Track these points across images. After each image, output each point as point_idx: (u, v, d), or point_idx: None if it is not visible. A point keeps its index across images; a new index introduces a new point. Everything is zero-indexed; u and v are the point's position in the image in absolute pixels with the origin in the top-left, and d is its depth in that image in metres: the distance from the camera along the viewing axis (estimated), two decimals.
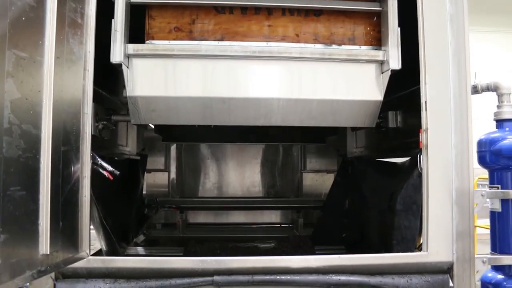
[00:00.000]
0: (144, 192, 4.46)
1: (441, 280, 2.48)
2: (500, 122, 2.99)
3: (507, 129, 2.94)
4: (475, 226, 5.28)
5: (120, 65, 2.51)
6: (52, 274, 2.31)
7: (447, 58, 2.56)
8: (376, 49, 2.76)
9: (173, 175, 4.77)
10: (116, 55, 2.49)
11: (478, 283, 2.98)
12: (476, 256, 2.61)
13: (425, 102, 2.51)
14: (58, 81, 1.94)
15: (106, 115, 2.97)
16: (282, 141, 4.63)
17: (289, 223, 4.81)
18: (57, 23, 1.90)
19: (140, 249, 3.80)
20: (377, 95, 2.71)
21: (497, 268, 2.89)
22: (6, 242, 1.63)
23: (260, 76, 2.65)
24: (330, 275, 2.40)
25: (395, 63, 2.62)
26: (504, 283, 2.81)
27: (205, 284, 2.37)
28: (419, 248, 2.62)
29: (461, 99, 2.55)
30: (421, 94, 2.53)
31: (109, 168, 2.51)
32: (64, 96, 2.10)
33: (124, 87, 2.62)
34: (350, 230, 3.92)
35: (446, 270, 2.51)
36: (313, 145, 4.79)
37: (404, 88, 3.02)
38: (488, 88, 3.03)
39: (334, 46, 2.73)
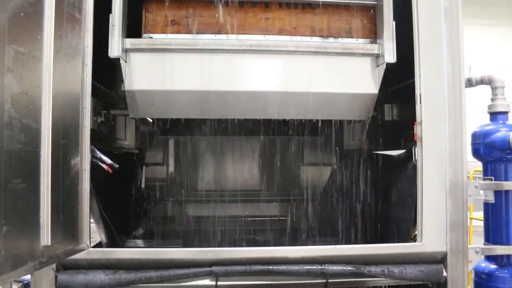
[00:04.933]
0: (142, 186, 4.48)
1: (434, 269, 2.52)
2: (494, 115, 3.03)
3: (500, 121, 2.98)
4: (471, 218, 5.35)
5: (118, 59, 2.53)
6: (54, 266, 2.35)
7: (441, 51, 2.59)
8: (372, 42, 2.79)
9: (171, 168, 4.79)
10: (114, 49, 2.51)
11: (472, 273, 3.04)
12: (469, 246, 2.65)
13: (420, 95, 2.54)
14: (57, 76, 1.96)
15: (105, 109, 3.00)
16: (279, 134, 4.65)
17: (286, 215, 4.85)
18: (56, 18, 1.92)
19: (139, 242, 3.84)
20: (373, 88, 2.74)
21: (490, 258, 2.95)
22: (8, 233, 1.66)
23: (256, 69, 2.68)
24: (326, 264, 2.44)
25: (390, 56, 2.64)
26: (497, 272, 2.87)
27: (203, 274, 2.41)
28: (414, 239, 2.66)
29: (455, 91, 2.57)
30: (416, 87, 2.56)
31: (108, 161, 2.54)
32: (63, 90, 2.13)
33: (122, 81, 2.65)
34: (348, 221, 3.96)
35: (440, 260, 2.55)
36: (311, 138, 4.81)
37: (400, 81, 3.05)
38: (482, 81, 3.07)
39: (330, 39, 2.75)
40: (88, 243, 2.34)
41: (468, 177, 2.62)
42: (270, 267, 2.41)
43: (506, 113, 3.00)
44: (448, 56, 2.59)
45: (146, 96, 2.68)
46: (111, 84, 3.18)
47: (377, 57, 2.73)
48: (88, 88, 2.35)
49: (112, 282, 2.37)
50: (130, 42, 2.60)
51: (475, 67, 3.20)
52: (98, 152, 2.49)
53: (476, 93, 3.17)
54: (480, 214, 3.32)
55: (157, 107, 2.74)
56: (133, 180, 4.16)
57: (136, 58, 2.63)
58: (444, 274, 2.52)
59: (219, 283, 2.42)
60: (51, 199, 1.87)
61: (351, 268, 2.45)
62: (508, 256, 2.87)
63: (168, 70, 2.63)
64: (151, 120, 4.25)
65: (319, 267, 2.43)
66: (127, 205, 3.86)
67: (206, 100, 2.70)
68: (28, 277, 3.18)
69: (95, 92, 2.54)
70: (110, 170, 2.55)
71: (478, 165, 3.20)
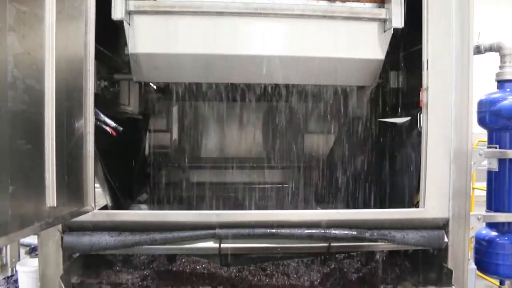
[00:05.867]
0: (146, 152, 4.50)
1: (436, 235, 2.55)
2: (501, 83, 3.00)
3: (508, 89, 2.95)
4: (473, 188, 5.37)
5: (121, 22, 2.50)
6: (59, 227, 2.39)
7: (450, 16, 2.53)
8: (379, 7, 2.73)
9: (175, 135, 4.80)
10: (117, 11, 2.47)
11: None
12: (471, 213, 2.67)
13: (427, 60, 2.51)
14: (60, 37, 1.93)
15: (108, 74, 2.98)
16: (284, 100, 4.63)
17: (290, 183, 4.87)
18: None
19: (143, 207, 3.88)
20: (379, 53, 2.70)
21: (491, 225, 2.98)
22: (14, 194, 1.67)
23: (262, 33, 2.63)
24: (329, 229, 2.47)
25: (398, 21, 2.59)
26: (497, 239, 2.91)
27: (207, 236, 2.44)
28: (417, 205, 2.68)
29: (463, 58, 2.54)
30: (423, 53, 2.52)
31: (113, 124, 2.54)
32: (66, 52, 2.10)
33: (125, 45, 2.62)
34: (352, 188, 3.98)
35: (442, 226, 2.57)
36: (315, 105, 4.79)
37: (407, 47, 3.01)
38: (491, 49, 3.02)
39: (337, 2, 2.68)
40: (93, 205, 2.36)
41: (472, 146, 2.61)
42: (273, 230, 2.44)
43: None
44: (457, 22, 2.54)
45: (150, 59, 2.65)
46: (114, 48, 3.15)
47: (384, 22, 2.68)
48: (92, 50, 2.32)
49: (117, 244, 2.41)
50: (133, 4, 2.54)
51: (484, 35, 3.15)
52: (102, 115, 2.48)
53: (484, 58, 3.13)
54: (482, 185, 3.33)
55: (161, 70, 2.72)
56: (137, 146, 4.17)
57: (140, 20, 2.59)
58: (445, 240, 2.55)
59: (222, 245, 2.45)
60: (56, 160, 1.88)
61: (353, 233, 2.47)
62: (509, 223, 2.90)
63: (172, 33, 2.59)
64: (154, 86, 4.23)
65: (322, 231, 2.45)
66: (131, 170, 3.88)
67: (211, 63, 2.67)
68: (35, 241, 3.24)
69: (99, 56, 2.51)
70: (114, 133, 2.55)
71: (483, 136, 3.19)
